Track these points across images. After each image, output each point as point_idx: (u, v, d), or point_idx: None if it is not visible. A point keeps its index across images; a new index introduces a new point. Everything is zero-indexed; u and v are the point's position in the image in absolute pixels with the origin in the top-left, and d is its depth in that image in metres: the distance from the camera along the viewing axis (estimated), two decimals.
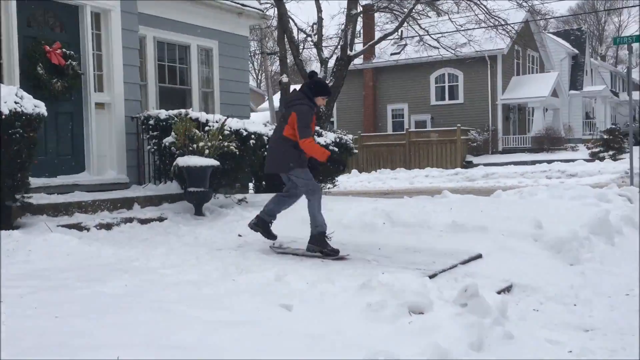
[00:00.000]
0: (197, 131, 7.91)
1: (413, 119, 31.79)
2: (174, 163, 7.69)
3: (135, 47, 8.99)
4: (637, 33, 27.06)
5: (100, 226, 6.67)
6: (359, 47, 20.42)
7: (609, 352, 3.66)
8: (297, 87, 6.42)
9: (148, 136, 8.61)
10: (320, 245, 5.58)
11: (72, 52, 7.98)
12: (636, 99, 43.81)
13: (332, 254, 5.55)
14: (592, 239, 6.55)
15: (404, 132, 29.09)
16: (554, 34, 41.93)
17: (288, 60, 17.88)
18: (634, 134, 24.06)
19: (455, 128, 27.63)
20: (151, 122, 8.49)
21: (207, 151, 7.74)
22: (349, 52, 15.31)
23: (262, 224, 5.97)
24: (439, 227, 7.06)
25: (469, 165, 26.43)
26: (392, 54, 31.11)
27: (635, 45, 36.30)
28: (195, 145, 7.75)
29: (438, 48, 17.98)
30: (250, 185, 11.63)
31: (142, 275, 4.49)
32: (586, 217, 7.06)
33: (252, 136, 8.70)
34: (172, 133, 7.98)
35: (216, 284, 4.30)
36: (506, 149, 29.64)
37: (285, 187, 6.03)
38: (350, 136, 12.51)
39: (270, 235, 5.99)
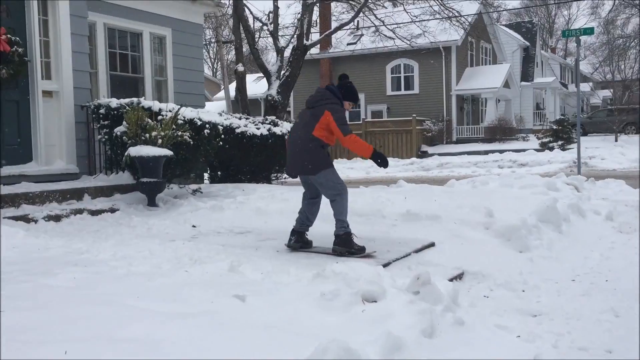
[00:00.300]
0: (149, 120, 7.77)
1: (369, 108, 31.99)
2: (126, 153, 7.53)
3: (85, 33, 8.74)
4: (586, 26, 27.84)
5: (49, 218, 6.49)
6: (315, 36, 20.38)
7: (555, 335, 3.77)
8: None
9: (99, 125, 8.40)
10: (347, 246, 5.30)
11: (17, 39, 7.69)
12: (584, 91, 45.17)
13: (359, 252, 5.29)
14: (540, 227, 6.74)
15: (361, 122, 29.25)
16: (506, 26, 42.82)
17: (244, 49, 17.70)
18: (582, 124, 24.80)
19: (411, 118, 27.95)
20: (102, 111, 8.29)
21: (160, 141, 7.61)
22: (305, 41, 15.26)
23: (300, 238, 5.59)
24: (393, 216, 7.13)
25: (424, 155, 26.79)
26: (348, 44, 31.21)
27: (583, 38, 37.26)
28: (147, 135, 7.60)
29: (394, 39, 18.12)
30: (206, 175, 11.51)
31: (92, 267, 4.39)
32: (535, 206, 7.25)
33: (207, 126, 8.60)
34: (124, 122, 7.80)
35: (169, 275, 4.24)
36: (460, 139, 30.16)
37: (307, 191, 5.67)
38: None
39: (307, 244, 5.64)
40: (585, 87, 46.25)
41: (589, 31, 15.09)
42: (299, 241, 5.52)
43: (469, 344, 3.46)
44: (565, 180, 10.45)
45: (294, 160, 5.45)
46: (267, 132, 10.96)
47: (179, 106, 8.37)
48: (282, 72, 15.06)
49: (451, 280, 4.74)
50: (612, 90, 35.55)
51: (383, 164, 5.41)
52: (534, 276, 5.24)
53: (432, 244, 6.00)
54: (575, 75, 15.22)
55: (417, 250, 5.74)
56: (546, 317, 4.20)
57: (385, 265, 4.95)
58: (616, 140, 26.58)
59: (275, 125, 11.46)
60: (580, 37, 15.15)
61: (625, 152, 21.47)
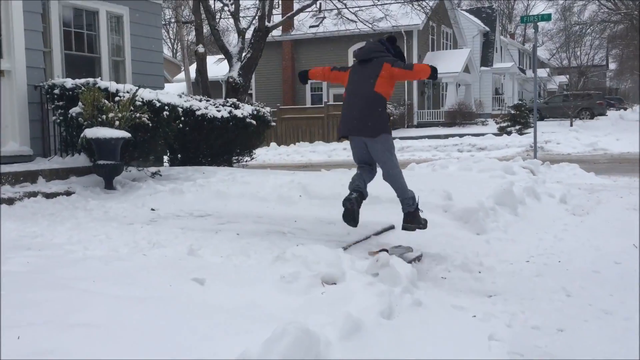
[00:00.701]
0: (106, 101, 7.58)
1: (331, 92, 31.97)
2: (82, 135, 7.35)
3: (38, 11, 8.44)
4: (543, 12, 28.32)
5: (1, 201, 6.30)
6: (277, 18, 20.20)
7: (509, 315, 3.87)
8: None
9: (53, 106, 8.16)
10: (417, 223, 4.96)
11: None
12: (541, 76, 46.10)
13: (425, 226, 5.06)
14: (497, 210, 6.88)
15: (323, 105, 29.23)
16: (466, 11, 43.23)
17: (204, 30, 17.41)
18: (538, 109, 25.31)
19: None
20: (56, 91, 8.05)
21: (117, 122, 7.45)
22: (267, 23, 15.10)
23: (357, 196, 4.99)
24: None
25: None
26: (311, 27, 31.03)
27: (541, 25, 37.89)
28: (104, 116, 7.43)
29: (356, 22, 18.08)
30: (165, 158, 11.34)
31: (46, 251, 4.30)
32: (492, 189, 7.40)
33: (166, 107, 8.45)
34: (80, 103, 7.60)
35: (126, 259, 4.18)
36: (421, 123, 30.46)
37: (359, 158, 5.18)
38: (268, 109, 12.43)
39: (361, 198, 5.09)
40: (542, 72, 47.21)
41: (546, 17, 15.36)
42: (357, 200, 4.96)
43: (426, 324, 3.52)
44: (521, 164, 10.69)
45: (352, 116, 4.93)
46: (229, 115, 10.85)
47: (137, 87, 8.20)
48: (244, 54, 14.89)
49: (410, 262, 4.81)
50: (568, 76, 36.41)
51: (434, 75, 5.04)
52: (490, 258, 5.36)
53: (392, 227, 6.06)
54: (532, 61, 15.51)
55: (377, 233, 5.80)
56: (501, 298, 4.30)
57: (345, 248, 4.98)
58: (571, 125, 27.25)
59: (237, 107, 11.35)
60: (538, 24, 15.42)
61: (579, 136, 22.05)
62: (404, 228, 5.00)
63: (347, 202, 4.91)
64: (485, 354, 3.25)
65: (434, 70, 4.98)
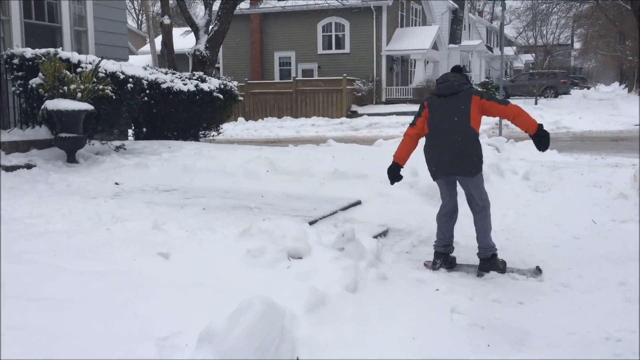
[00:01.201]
0: (68, 72, 7.39)
1: (300, 67, 31.71)
2: (43, 106, 7.16)
3: None
4: None
5: None
6: None
7: (471, 289, 3.96)
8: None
9: (12, 77, 7.91)
10: (495, 269, 4.41)
11: None
12: (508, 55, 46.57)
13: (504, 270, 4.42)
14: None
15: (291, 80, 29.01)
16: None
17: (170, 1, 17.01)
18: (505, 87, 25.61)
19: (342, 78, 27.96)
20: (15, 61, 7.80)
21: (79, 94, 7.27)
22: None
23: (443, 259, 4.61)
24: (321, 175, 7.18)
25: (354, 115, 26.96)
26: (279, 0, 30.60)
27: (508, 3, 38.08)
28: (66, 88, 7.24)
29: None
30: (130, 132, 11.15)
31: (6, 225, 4.20)
32: None
33: (130, 80, 8.28)
34: (40, 74, 7.39)
35: (89, 233, 4.12)
36: (389, 99, 30.50)
37: (449, 200, 4.73)
38: (236, 83, 12.28)
39: (453, 265, 4.65)
40: (509, 51, 47.69)
41: None
42: (445, 263, 4.59)
43: (390, 297, 3.57)
44: (487, 141, 10.82)
45: (457, 158, 4.48)
46: (195, 89, 10.69)
47: (100, 58, 8.00)
48: (211, 26, 14.61)
49: (376, 237, 4.85)
50: (534, 54, 36.86)
51: (544, 146, 4.45)
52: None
53: (359, 202, 6.10)
54: (500, 39, 15.62)
55: (344, 208, 5.83)
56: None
57: (311, 223, 5.00)
58: (536, 103, 27.65)
59: (203, 81, 11.19)
60: (505, 1, 15.51)
61: (543, 114, 22.38)
62: (479, 275, 4.42)
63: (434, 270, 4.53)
64: (448, 325, 3.32)
65: (541, 133, 4.40)
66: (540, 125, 4.42)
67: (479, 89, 4.58)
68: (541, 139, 4.40)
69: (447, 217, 4.69)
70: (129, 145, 8.86)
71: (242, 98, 13.95)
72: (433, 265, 4.56)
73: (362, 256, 3.91)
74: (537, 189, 7.69)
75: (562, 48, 55.32)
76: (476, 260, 4.54)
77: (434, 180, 4.74)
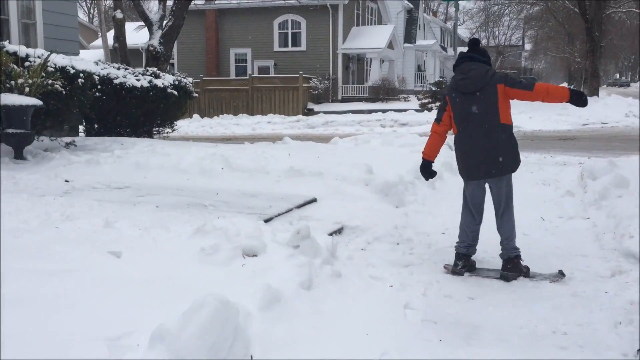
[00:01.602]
0: (15, 66, 7.16)
1: (256, 64, 31.55)
2: None
3: None
4: None
5: None
6: None
7: (424, 285, 4.02)
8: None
9: None
10: (518, 271, 4.27)
11: None
12: None
13: (527, 274, 4.30)
14: (416, 183, 7.07)
15: (247, 77, 28.83)
16: None
17: None
18: None
19: (298, 75, 27.95)
20: None
21: (27, 89, 7.06)
22: None
23: (465, 261, 4.44)
24: (277, 172, 7.17)
25: (310, 112, 26.99)
26: None
27: (461, 3, 38.74)
28: (13, 82, 7.02)
29: None
30: (81, 128, 10.88)
31: None
32: (412, 163, 7.57)
33: (81, 75, 8.09)
34: None
35: (37, 232, 4.01)
36: (345, 97, 30.65)
37: (478, 201, 4.47)
38: (190, 79, 12.15)
39: (473, 268, 4.48)
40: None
41: None
42: (466, 266, 4.42)
43: (345, 294, 3.60)
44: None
45: (483, 157, 4.27)
46: (149, 84, 10.52)
47: (50, 52, 7.79)
48: (165, 21, 14.40)
49: (331, 234, 4.88)
50: None
51: (583, 104, 4.30)
52: (408, 230, 5.52)
53: (314, 200, 6.11)
54: (453, 39, 15.90)
55: (299, 206, 5.84)
56: (417, 268, 4.45)
57: (266, 221, 4.99)
58: None
59: (157, 77, 11.02)
60: (459, 2, 15.80)
61: None
62: (502, 277, 4.27)
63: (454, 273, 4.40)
64: (401, 321, 3.37)
65: (576, 95, 4.28)
66: (572, 90, 4.29)
67: (502, 73, 4.49)
68: (578, 102, 4.28)
69: (474, 218, 4.48)
70: (80, 141, 8.65)
71: (197, 95, 13.80)
72: (454, 268, 4.39)
73: (317, 253, 3.92)
74: None
75: (513, 49, 56.72)
76: (481, 264, 4.56)
77: (470, 180, 4.49)
